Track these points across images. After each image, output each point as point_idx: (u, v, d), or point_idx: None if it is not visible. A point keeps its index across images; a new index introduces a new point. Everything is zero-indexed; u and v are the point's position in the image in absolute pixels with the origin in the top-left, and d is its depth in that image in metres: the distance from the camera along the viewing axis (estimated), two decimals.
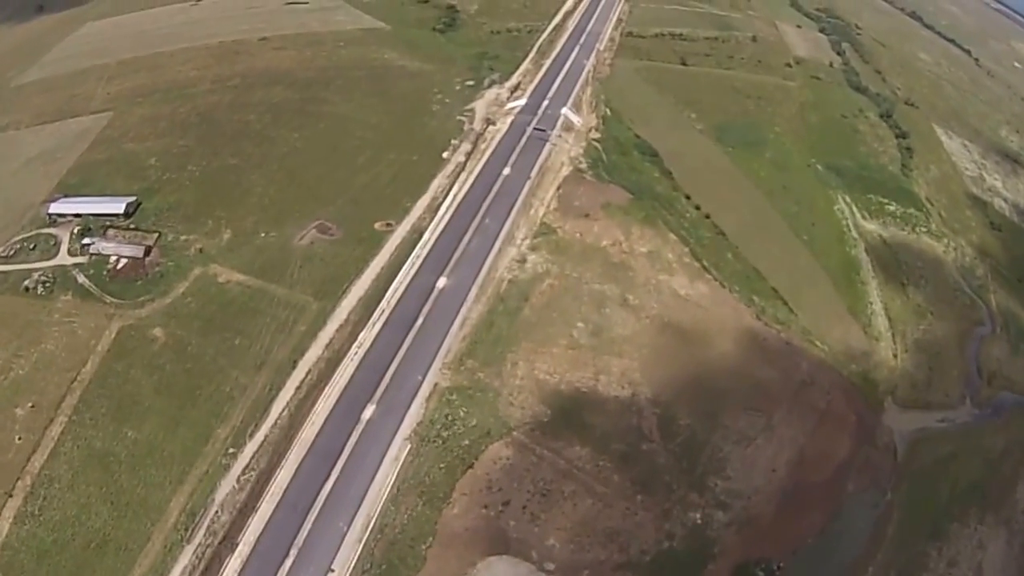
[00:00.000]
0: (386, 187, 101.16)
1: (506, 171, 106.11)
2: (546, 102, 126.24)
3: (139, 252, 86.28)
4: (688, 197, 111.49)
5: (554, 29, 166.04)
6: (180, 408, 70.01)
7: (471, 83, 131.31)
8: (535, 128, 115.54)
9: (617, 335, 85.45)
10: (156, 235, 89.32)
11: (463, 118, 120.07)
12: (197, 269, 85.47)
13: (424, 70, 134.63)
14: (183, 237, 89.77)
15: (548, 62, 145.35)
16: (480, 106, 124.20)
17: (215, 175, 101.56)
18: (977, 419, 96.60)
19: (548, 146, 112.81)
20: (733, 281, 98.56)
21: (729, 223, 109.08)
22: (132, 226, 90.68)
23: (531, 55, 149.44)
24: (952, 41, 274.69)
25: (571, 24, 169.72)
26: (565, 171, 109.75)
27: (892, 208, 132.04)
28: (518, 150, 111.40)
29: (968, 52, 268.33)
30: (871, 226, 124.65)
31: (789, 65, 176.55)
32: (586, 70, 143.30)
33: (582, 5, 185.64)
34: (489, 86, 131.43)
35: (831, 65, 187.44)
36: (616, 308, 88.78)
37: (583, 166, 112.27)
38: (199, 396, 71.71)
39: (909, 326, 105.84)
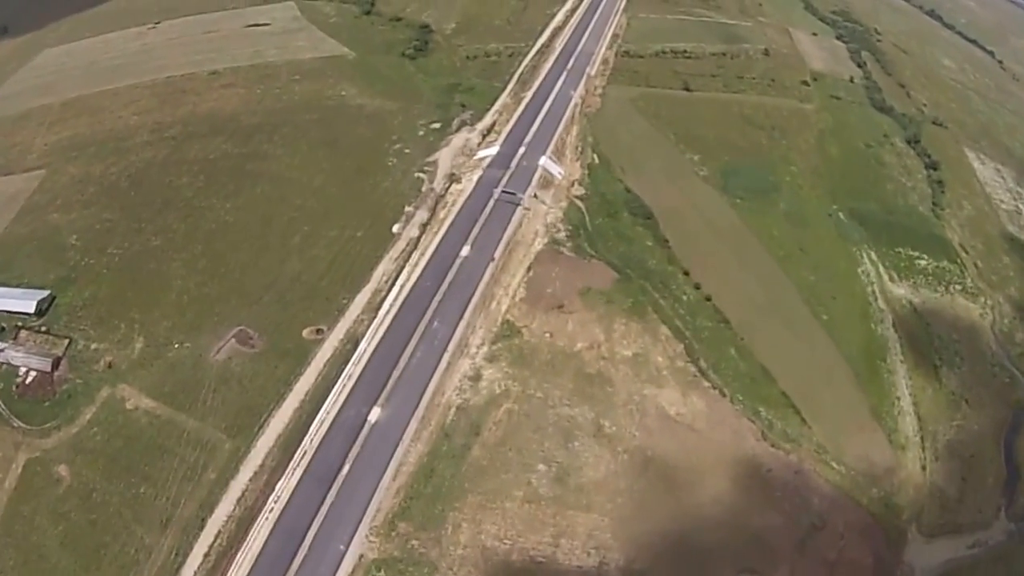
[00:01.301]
0: (321, 277, 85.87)
1: (465, 251, 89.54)
2: (522, 149, 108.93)
3: (47, 365, 75.98)
4: (686, 273, 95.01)
5: (540, 50, 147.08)
6: (85, 570, 61.26)
7: (437, 125, 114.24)
8: (504, 191, 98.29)
9: (586, 480, 70.28)
10: (67, 342, 78.49)
11: (423, 174, 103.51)
12: (105, 390, 73.78)
13: (384, 110, 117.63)
14: (93, 346, 77.98)
15: (529, 94, 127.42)
16: (444, 157, 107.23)
17: (135, 261, 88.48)
18: (1012, 536, 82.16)
19: (520, 212, 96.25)
20: (736, 388, 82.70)
21: (734, 305, 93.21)
22: (44, 328, 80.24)
23: (510, 85, 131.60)
24: (974, 42, 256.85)
25: (559, 43, 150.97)
26: (539, 244, 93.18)
27: (923, 263, 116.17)
28: (483, 219, 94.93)
29: (991, 53, 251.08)
30: (900, 290, 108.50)
31: (806, 83, 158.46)
32: (572, 103, 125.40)
33: (574, 18, 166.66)
34: (458, 128, 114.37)
35: (851, 80, 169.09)
36: (587, 440, 73.37)
37: (561, 235, 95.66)
38: (104, 556, 61.92)
39: (941, 424, 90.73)
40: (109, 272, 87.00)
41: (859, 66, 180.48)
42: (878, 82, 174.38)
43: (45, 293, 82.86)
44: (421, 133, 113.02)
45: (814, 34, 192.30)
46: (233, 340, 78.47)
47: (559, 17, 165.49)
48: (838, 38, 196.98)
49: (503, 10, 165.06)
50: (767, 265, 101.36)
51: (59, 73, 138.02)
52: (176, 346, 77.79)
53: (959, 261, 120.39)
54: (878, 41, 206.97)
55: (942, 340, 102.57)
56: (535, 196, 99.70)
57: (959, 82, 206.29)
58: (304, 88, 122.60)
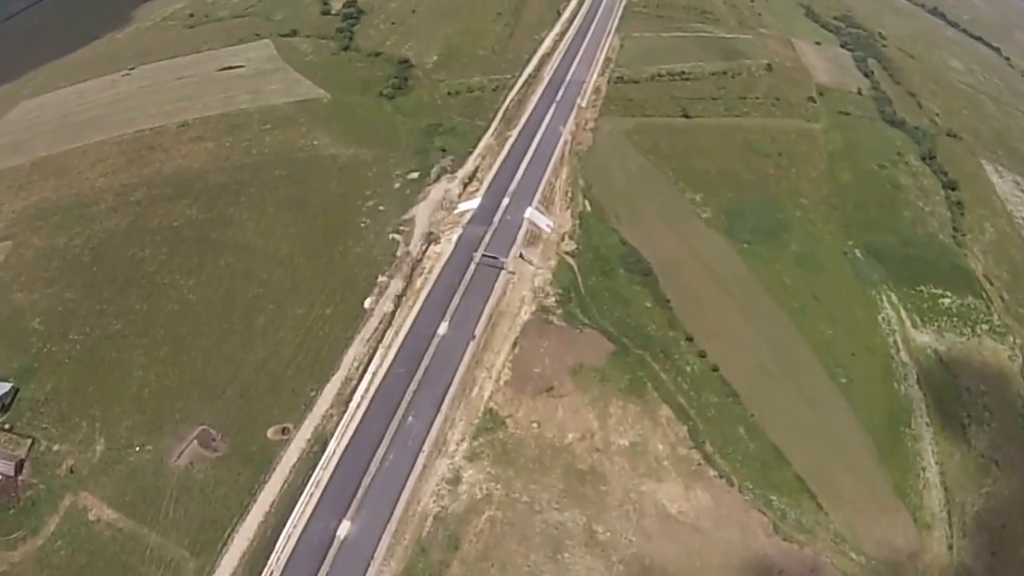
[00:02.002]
0: (287, 365, 78.75)
1: (443, 328, 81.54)
2: (506, 200, 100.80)
3: (10, 468, 71.02)
4: (690, 338, 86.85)
5: (527, 81, 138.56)
6: None
7: (415, 175, 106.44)
8: (484, 256, 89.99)
9: None
10: (29, 442, 73.42)
11: (398, 235, 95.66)
12: (68, 498, 68.51)
13: (359, 160, 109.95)
14: (55, 447, 72.62)
15: (515, 133, 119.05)
16: (422, 212, 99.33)
17: (95, 348, 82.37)
18: None
19: (504, 277, 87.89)
20: (745, 475, 74.54)
21: (743, 374, 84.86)
22: (7, 426, 74.98)
23: (495, 123, 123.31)
24: (979, 39, 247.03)
25: (548, 72, 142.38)
26: (525, 314, 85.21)
27: (947, 302, 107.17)
28: (463, 289, 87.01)
29: (998, 50, 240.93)
30: (924, 337, 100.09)
31: (812, 99, 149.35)
32: (561, 141, 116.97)
33: (564, 42, 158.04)
34: (437, 178, 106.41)
35: (859, 92, 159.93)
36: (578, 550, 65.73)
37: (550, 301, 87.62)
38: None
39: (970, 493, 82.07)
40: (71, 361, 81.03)
41: (866, 76, 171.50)
42: (887, 92, 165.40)
43: (8, 387, 77.27)
44: (397, 185, 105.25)
45: (817, 43, 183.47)
46: (195, 442, 72.17)
47: (547, 42, 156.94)
48: (842, 46, 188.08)
49: (488, 38, 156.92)
50: (779, 321, 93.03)
51: (32, 129, 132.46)
52: (137, 449, 72.09)
53: (984, 295, 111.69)
54: (883, 47, 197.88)
55: (970, 393, 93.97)
56: (520, 256, 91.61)
57: (969, 85, 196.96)
58: (275, 139, 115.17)
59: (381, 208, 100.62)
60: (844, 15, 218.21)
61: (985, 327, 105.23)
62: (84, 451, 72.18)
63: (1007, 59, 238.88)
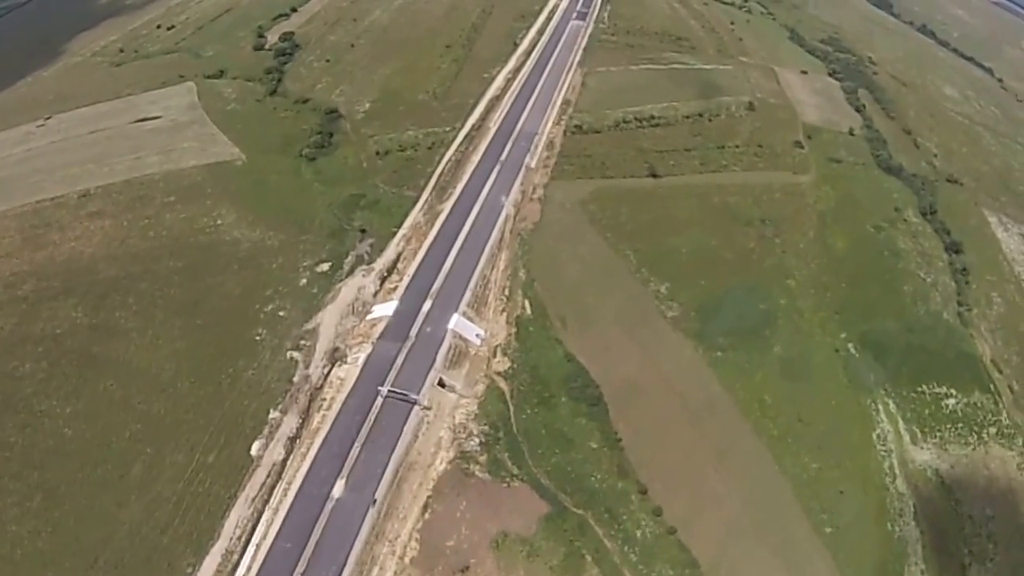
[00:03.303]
0: (163, 530, 64.29)
1: (339, 489, 65.70)
2: (428, 304, 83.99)
3: None
4: (644, 491, 71.32)
5: (469, 134, 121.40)
6: None
7: (326, 267, 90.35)
8: (391, 391, 73.26)
9: None
10: None
11: (297, 353, 79.23)
12: None
13: (263, 246, 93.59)
14: None
15: (448, 206, 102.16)
16: (328, 319, 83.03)
17: None
18: None
19: (416, 415, 71.12)
20: None
21: (708, 536, 70.59)
22: None
23: (426, 193, 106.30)
24: (971, 59, 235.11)
25: (495, 121, 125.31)
26: (441, 464, 69.31)
27: (952, 403, 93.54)
28: (365, 432, 70.23)
29: (990, 71, 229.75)
30: (924, 455, 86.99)
31: (799, 144, 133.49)
32: (502, 217, 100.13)
33: (518, 80, 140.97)
34: (352, 270, 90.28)
35: (851, 132, 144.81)
36: None
37: (473, 444, 71.81)
38: None
39: None
40: None
41: (858, 110, 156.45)
42: (881, 130, 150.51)
43: None
44: (304, 282, 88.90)
45: (803, 72, 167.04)
46: None
47: (499, 81, 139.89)
48: (831, 74, 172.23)
49: (431, 78, 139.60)
50: (755, 457, 78.24)
51: None
52: None
53: (992, 388, 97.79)
54: (874, 74, 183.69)
55: (973, 522, 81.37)
56: (440, 383, 75.00)
57: (966, 116, 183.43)
58: (176, 216, 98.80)
59: (282, 314, 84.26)
60: (831, 37, 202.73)
61: (992, 430, 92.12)
62: None
63: (1000, 81, 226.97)
